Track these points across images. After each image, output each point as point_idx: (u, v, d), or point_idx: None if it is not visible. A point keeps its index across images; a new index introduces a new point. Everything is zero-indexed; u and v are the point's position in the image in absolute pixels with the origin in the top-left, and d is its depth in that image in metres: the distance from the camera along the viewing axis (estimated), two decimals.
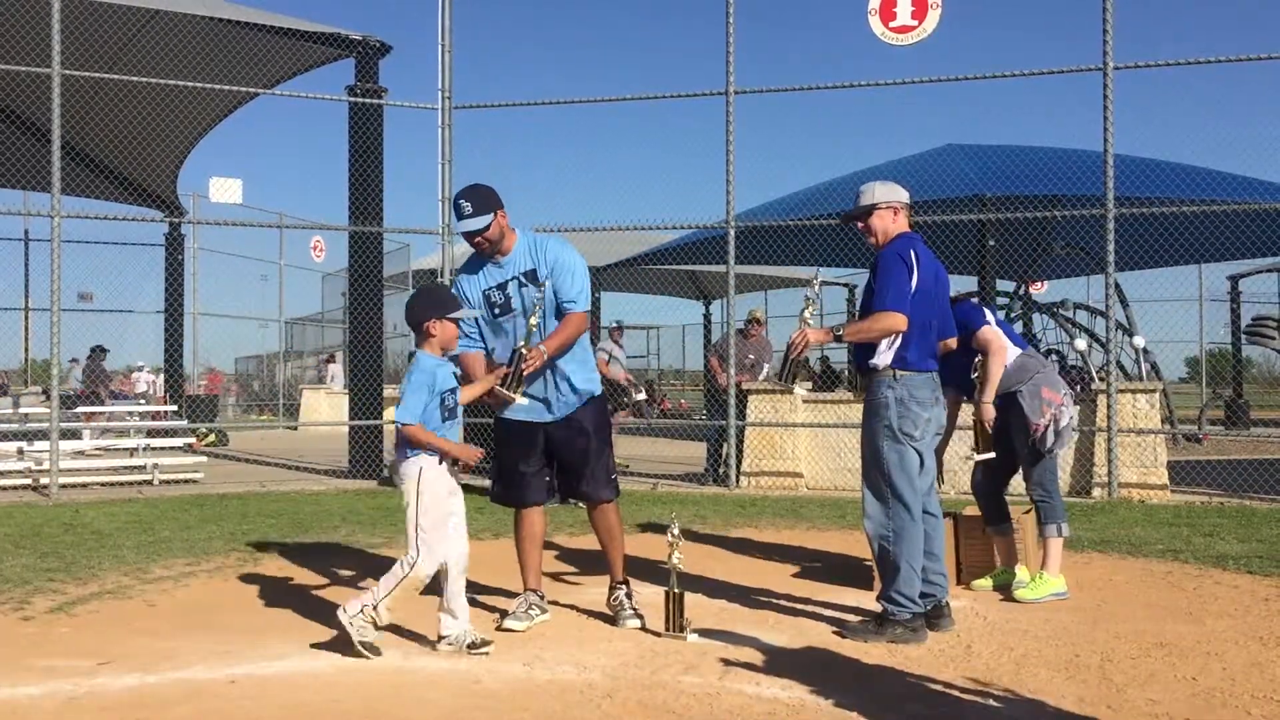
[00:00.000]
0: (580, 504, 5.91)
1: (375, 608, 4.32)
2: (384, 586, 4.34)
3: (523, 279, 4.85)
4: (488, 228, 4.76)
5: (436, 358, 4.47)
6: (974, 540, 5.87)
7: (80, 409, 13.18)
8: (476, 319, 4.90)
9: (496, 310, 4.86)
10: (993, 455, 5.54)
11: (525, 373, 4.64)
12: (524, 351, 4.63)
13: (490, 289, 4.86)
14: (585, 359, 5.03)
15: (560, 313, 4.86)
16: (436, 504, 4.40)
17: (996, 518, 5.74)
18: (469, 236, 4.81)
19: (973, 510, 6.05)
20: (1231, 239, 15.22)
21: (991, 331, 5.51)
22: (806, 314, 5.02)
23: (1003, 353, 5.48)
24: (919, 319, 4.77)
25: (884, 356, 4.79)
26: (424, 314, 4.47)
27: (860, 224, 4.99)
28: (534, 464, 4.99)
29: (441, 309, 4.49)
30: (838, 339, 4.97)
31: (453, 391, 4.49)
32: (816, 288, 5.23)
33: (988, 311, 5.67)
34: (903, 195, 4.97)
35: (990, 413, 5.47)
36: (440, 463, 4.43)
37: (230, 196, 13.88)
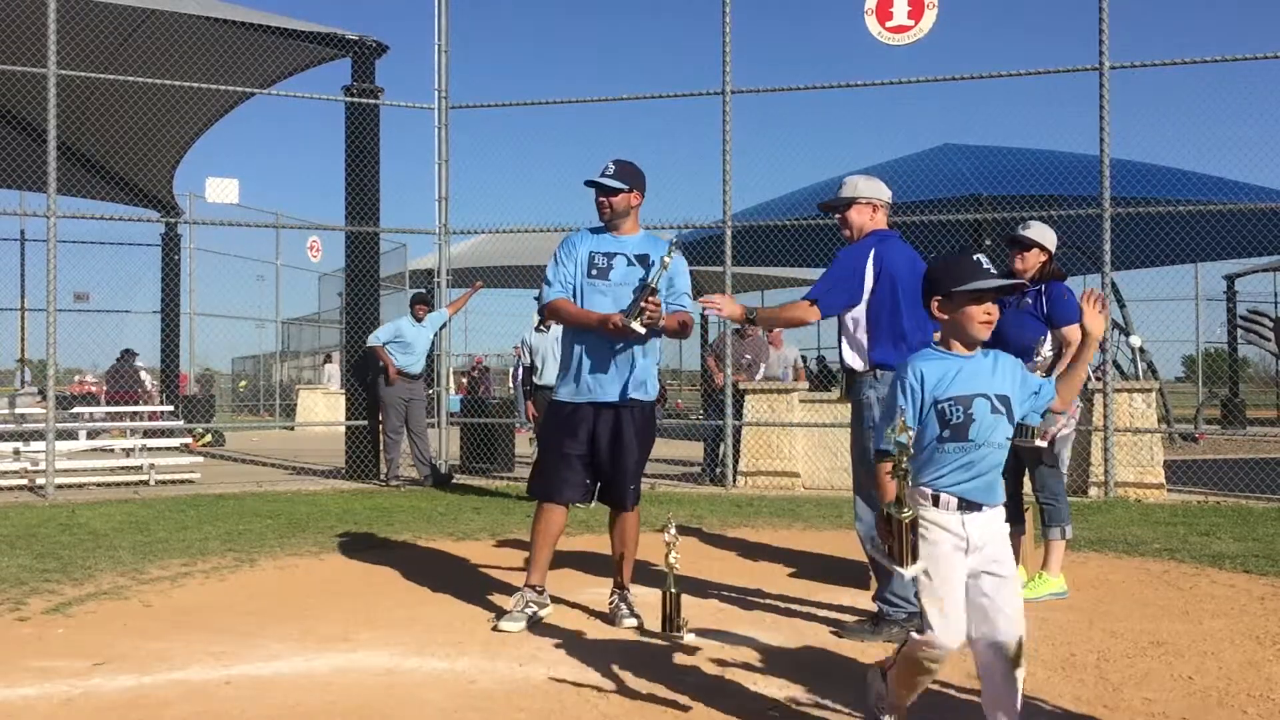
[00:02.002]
0: (581, 505, 5.90)
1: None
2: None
3: (633, 258, 4.89)
4: (616, 193, 4.88)
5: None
6: None
7: (76, 409, 13.15)
8: (569, 273, 4.93)
9: (594, 272, 4.87)
10: (1044, 445, 5.41)
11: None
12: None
13: (597, 253, 4.90)
14: (652, 359, 5.00)
15: (668, 309, 4.94)
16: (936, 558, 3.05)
17: (1010, 518, 5.71)
18: (596, 191, 4.89)
19: None
20: (1227, 239, 15.23)
21: (1079, 333, 5.51)
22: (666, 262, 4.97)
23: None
24: (889, 319, 4.74)
25: (859, 361, 4.79)
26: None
27: (838, 215, 5.00)
28: (576, 460, 4.92)
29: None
30: (750, 321, 5.02)
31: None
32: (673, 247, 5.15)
33: None
34: (884, 193, 4.96)
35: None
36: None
37: (227, 196, 13.84)
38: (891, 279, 4.75)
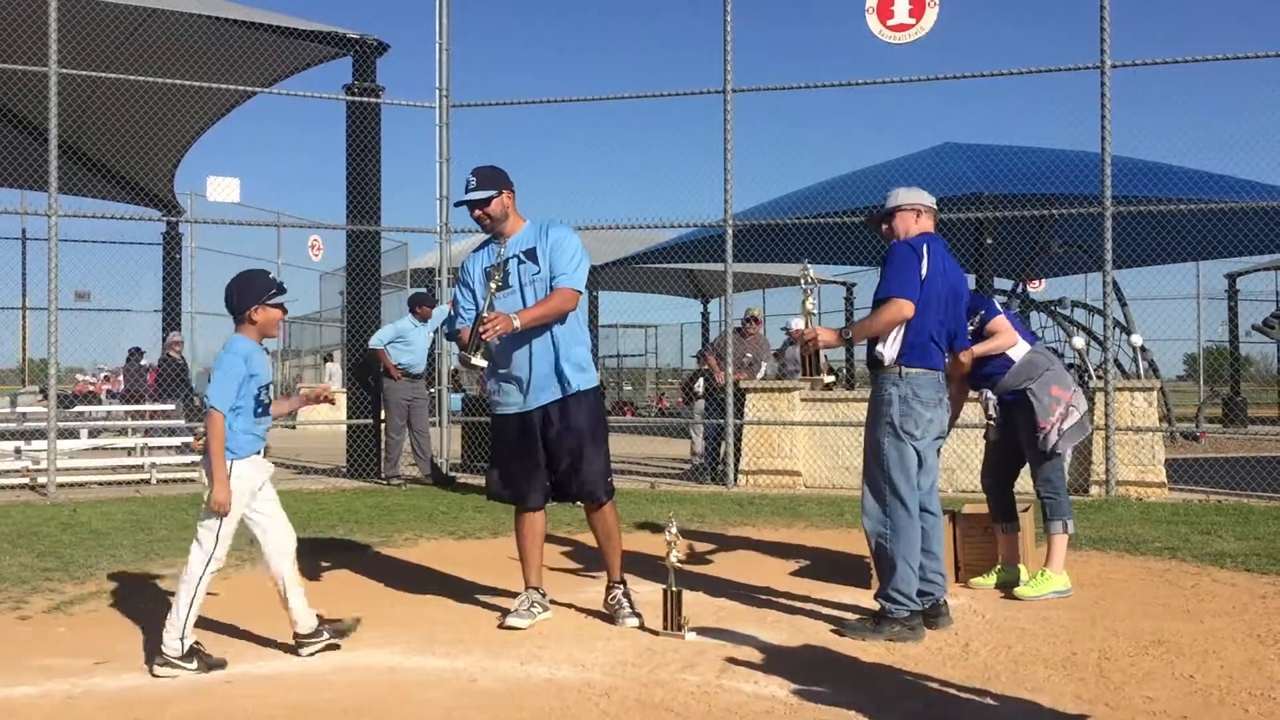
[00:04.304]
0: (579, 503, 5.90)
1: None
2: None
3: (522, 256, 4.88)
4: (488, 202, 4.85)
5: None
6: (972, 538, 5.87)
7: (78, 409, 13.16)
8: (474, 296, 4.91)
9: (493, 286, 4.85)
10: (830, 379, 5.40)
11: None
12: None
13: (490, 267, 4.88)
14: (575, 346, 4.91)
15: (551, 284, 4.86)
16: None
17: (1003, 515, 5.73)
18: (470, 209, 4.89)
19: (972, 509, 6.06)
20: (1229, 237, 15.21)
21: (1005, 321, 5.56)
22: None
23: (1009, 340, 5.51)
24: (924, 315, 4.76)
25: (892, 347, 4.78)
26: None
27: (884, 227, 5.03)
28: (532, 461, 4.92)
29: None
30: (847, 341, 5.01)
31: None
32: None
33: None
34: (926, 199, 5.01)
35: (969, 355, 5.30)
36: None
37: (228, 195, 13.87)
38: (934, 277, 4.78)
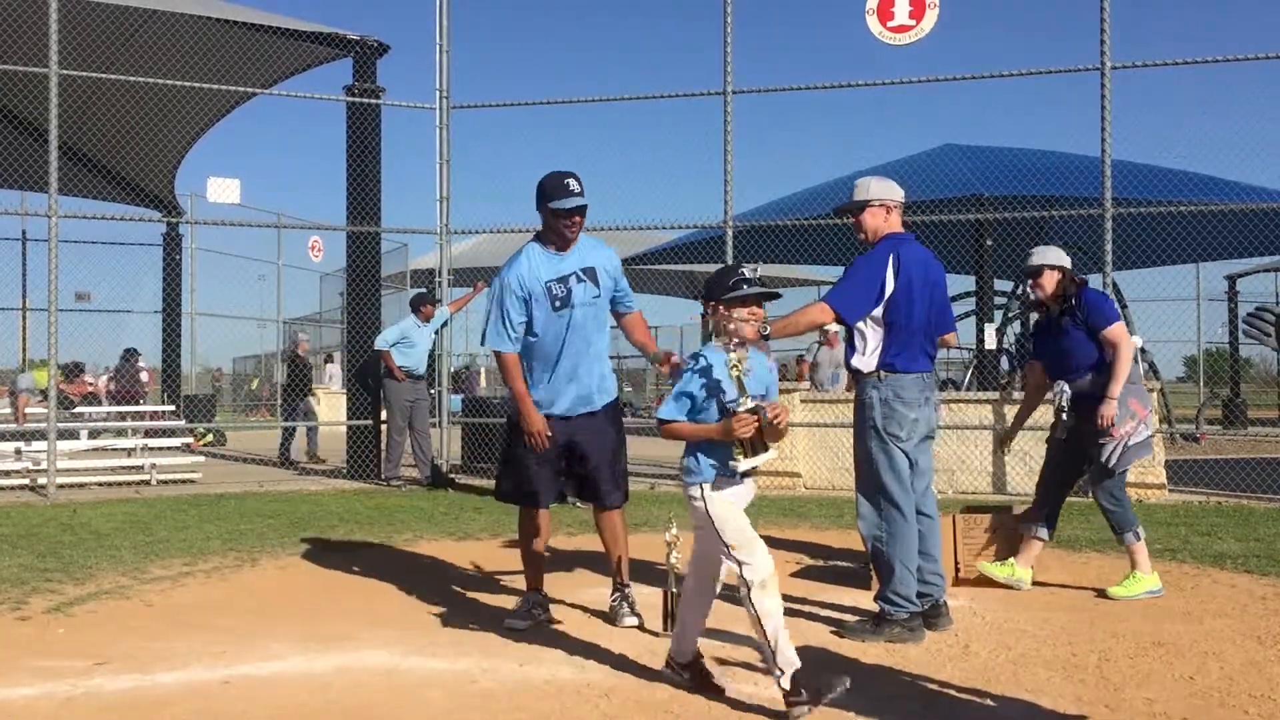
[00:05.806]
0: (579, 504, 5.92)
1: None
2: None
3: (582, 274, 4.82)
4: (584, 209, 4.75)
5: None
6: (972, 540, 5.87)
7: (78, 409, 13.16)
8: (529, 316, 4.78)
9: (557, 303, 4.78)
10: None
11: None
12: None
13: (552, 281, 4.79)
14: (608, 361, 5.08)
15: (617, 311, 5.02)
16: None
17: (1041, 520, 5.68)
18: (571, 214, 4.69)
19: (971, 510, 6.05)
20: (1229, 239, 15.20)
21: (1123, 330, 5.52)
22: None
23: (1129, 352, 5.48)
24: (903, 322, 4.76)
25: (867, 361, 4.79)
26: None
27: (852, 219, 5.00)
28: (549, 464, 4.93)
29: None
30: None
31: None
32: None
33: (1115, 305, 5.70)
34: (897, 193, 4.97)
35: (1113, 410, 5.38)
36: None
37: (228, 196, 13.83)
38: (909, 283, 4.76)
